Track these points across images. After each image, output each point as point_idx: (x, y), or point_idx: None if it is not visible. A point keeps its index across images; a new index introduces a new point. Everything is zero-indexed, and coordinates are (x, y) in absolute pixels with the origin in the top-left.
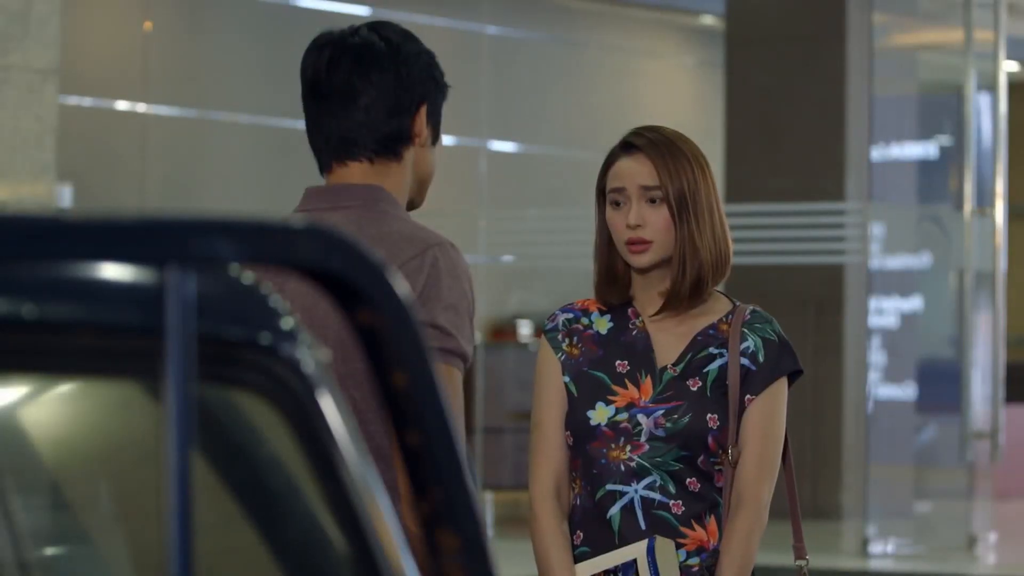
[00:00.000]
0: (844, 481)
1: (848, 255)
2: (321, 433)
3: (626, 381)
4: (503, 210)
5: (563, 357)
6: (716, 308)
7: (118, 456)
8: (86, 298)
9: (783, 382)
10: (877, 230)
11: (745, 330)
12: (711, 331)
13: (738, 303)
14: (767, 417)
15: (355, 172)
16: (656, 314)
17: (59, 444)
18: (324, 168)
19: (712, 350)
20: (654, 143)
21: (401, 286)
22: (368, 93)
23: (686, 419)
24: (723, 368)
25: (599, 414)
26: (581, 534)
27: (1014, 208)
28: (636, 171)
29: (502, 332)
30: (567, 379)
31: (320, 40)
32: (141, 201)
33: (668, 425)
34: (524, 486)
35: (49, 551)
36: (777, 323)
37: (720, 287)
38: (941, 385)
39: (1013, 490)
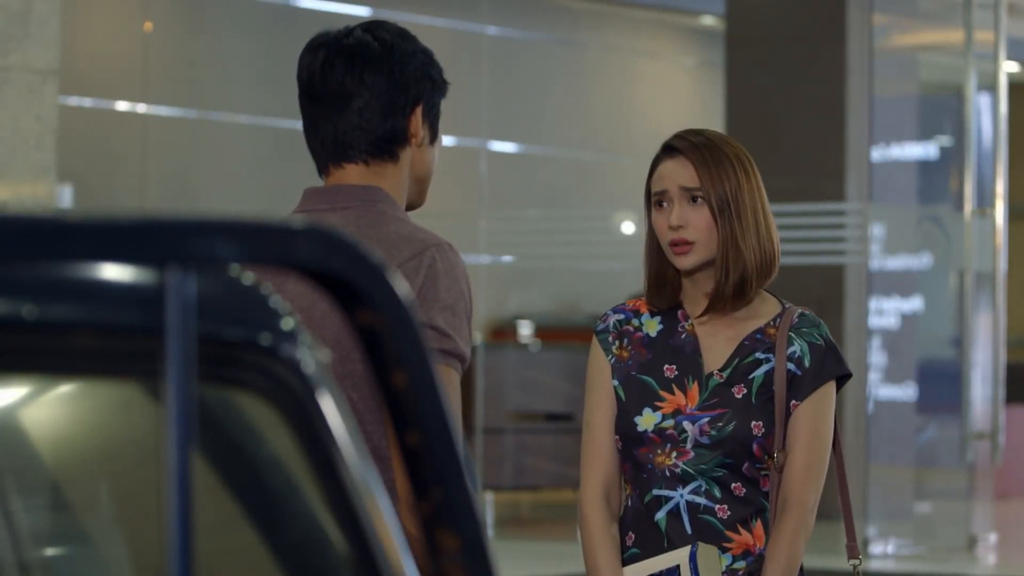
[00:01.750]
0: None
1: (848, 256)
2: (321, 433)
3: (673, 387)
4: (503, 210)
5: (613, 360)
6: (764, 311)
7: (118, 456)
8: (86, 298)
9: (830, 386)
10: (877, 230)
11: (792, 335)
12: (759, 336)
13: (788, 305)
14: (814, 422)
15: (352, 174)
16: (701, 315)
17: (59, 444)
18: (321, 170)
19: (759, 355)
20: (695, 146)
21: (401, 286)
22: (362, 95)
23: (730, 427)
24: (769, 373)
25: (646, 420)
26: (632, 535)
27: (1014, 209)
28: (677, 172)
29: (502, 332)
30: (616, 383)
31: (315, 42)
32: (141, 201)
33: (713, 433)
34: (524, 487)
35: (49, 552)
36: (825, 327)
37: (769, 288)
38: (941, 386)
39: (1013, 491)
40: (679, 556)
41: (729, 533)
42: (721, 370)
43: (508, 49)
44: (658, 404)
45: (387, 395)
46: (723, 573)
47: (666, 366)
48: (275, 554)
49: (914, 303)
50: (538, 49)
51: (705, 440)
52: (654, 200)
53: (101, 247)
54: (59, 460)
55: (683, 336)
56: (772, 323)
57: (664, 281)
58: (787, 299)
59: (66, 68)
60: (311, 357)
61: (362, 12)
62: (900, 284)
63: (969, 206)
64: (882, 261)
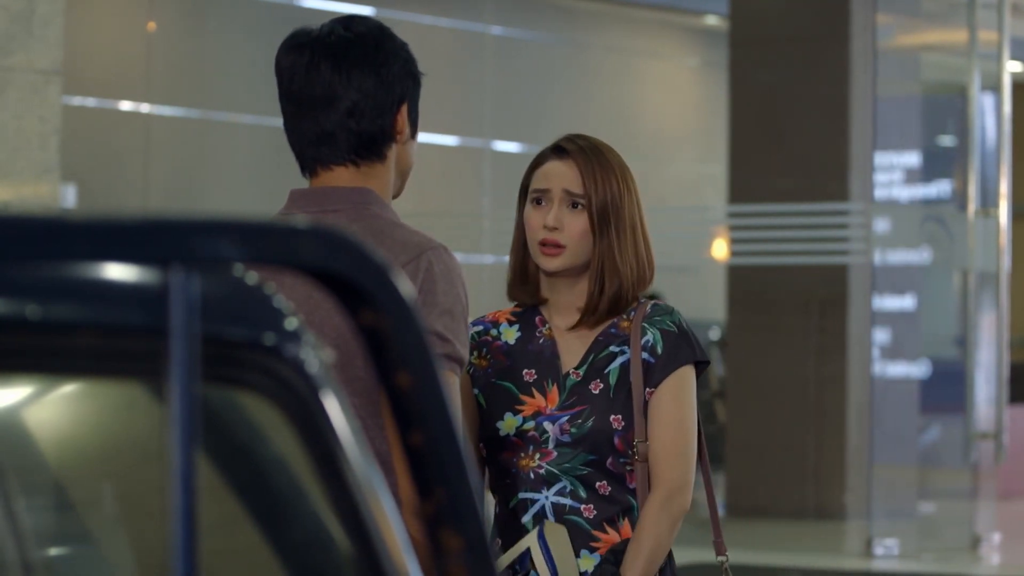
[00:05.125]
0: (848, 481)
1: (851, 255)
2: (325, 433)
3: (533, 390)
4: (507, 210)
5: (472, 370)
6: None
7: (122, 457)
8: (90, 298)
9: (686, 371)
10: (880, 230)
11: (645, 324)
12: (612, 330)
13: (642, 299)
14: (672, 406)
15: (341, 176)
16: (572, 328)
17: (63, 445)
18: (306, 170)
19: (613, 348)
20: (584, 151)
21: (404, 286)
22: (349, 96)
23: (590, 423)
24: (624, 366)
25: (507, 424)
26: (500, 541)
27: (1018, 208)
28: (563, 174)
29: None
30: (476, 391)
31: (296, 40)
32: (144, 201)
33: (573, 430)
34: None
35: (53, 552)
36: (679, 314)
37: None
38: (945, 386)
39: (1017, 490)
40: (528, 540)
41: (596, 532)
42: (577, 368)
43: (511, 49)
44: (518, 408)
45: (390, 395)
46: (592, 573)
47: (525, 371)
48: (279, 554)
49: (917, 303)
50: (541, 49)
51: (566, 439)
52: (532, 196)
53: (104, 247)
54: (63, 460)
55: (541, 341)
56: (626, 316)
57: (526, 277)
58: (791, 299)
59: (69, 68)
60: (315, 357)
61: (365, 11)
62: (903, 284)
63: (972, 206)
64: (885, 261)
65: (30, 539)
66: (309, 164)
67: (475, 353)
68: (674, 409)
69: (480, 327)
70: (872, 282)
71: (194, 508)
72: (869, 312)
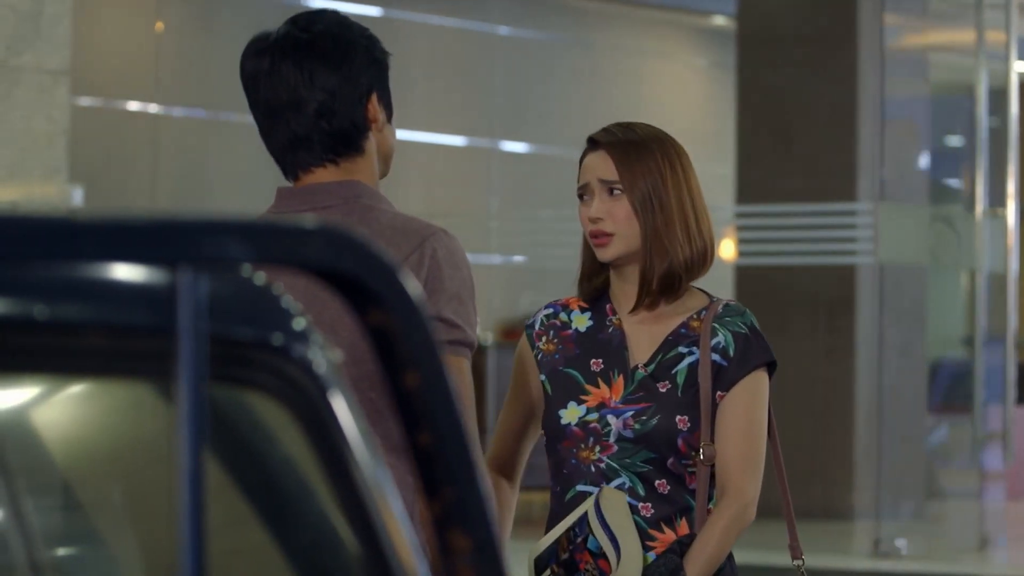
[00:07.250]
0: (856, 481)
1: (859, 256)
2: (333, 434)
3: (599, 380)
4: (514, 210)
5: (539, 355)
6: (691, 305)
7: (130, 457)
8: (98, 299)
9: (759, 376)
10: (888, 230)
11: (716, 325)
12: (683, 330)
13: (715, 298)
14: (745, 412)
15: (323, 176)
16: (632, 311)
17: (71, 445)
18: (288, 174)
19: (682, 349)
20: (617, 140)
21: (412, 286)
22: (315, 98)
23: (654, 421)
24: (692, 366)
25: (570, 413)
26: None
27: None
28: (597, 165)
29: (513, 332)
30: (543, 377)
31: (256, 46)
32: (153, 202)
33: (637, 427)
34: (537, 486)
35: (61, 552)
36: (751, 315)
37: (701, 284)
38: (953, 386)
39: None
40: (586, 505)
41: (653, 532)
42: (646, 364)
43: (519, 49)
44: (583, 398)
45: (399, 395)
46: (657, 559)
47: (593, 360)
48: (287, 554)
49: (925, 303)
50: (549, 49)
51: (628, 434)
52: (578, 193)
53: (112, 247)
54: (71, 460)
55: (611, 330)
56: (696, 316)
57: (594, 273)
58: (799, 300)
59: (77, 68)
60: (323, 357)
61: (372, 12)
62: (911, 284)
63: (980, 206)
64: (893, 261)
65: (38, 539)
66: (290, 169)
67: (543, 338)
68: (746, 415)
69: (551, 310)
70: (880, 282)
71: (202, 508)
72: (877, 312)
